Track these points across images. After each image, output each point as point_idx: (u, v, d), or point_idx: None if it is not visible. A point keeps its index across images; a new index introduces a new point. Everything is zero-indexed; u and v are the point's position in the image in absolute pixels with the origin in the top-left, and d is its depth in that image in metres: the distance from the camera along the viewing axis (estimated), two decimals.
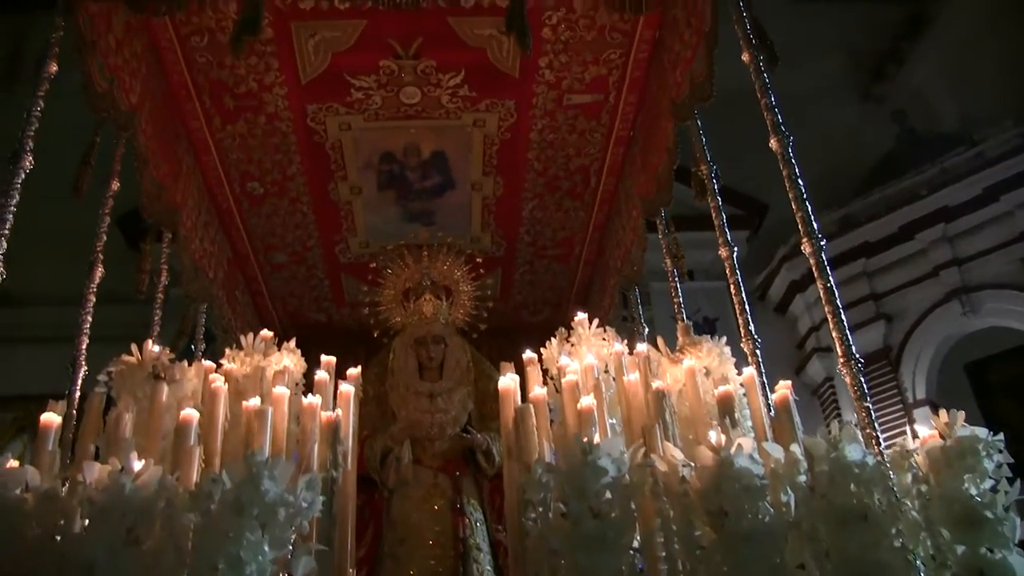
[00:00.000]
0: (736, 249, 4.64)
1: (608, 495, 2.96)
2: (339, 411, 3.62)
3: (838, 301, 3.83)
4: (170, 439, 3.73)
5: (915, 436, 3.49)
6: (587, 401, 3.62)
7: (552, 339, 4.79)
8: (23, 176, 3.77)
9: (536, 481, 3.08)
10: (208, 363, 4.38)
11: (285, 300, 7.43)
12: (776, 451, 3.19)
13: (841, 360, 3.71)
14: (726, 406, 3.75)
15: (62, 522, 2.83)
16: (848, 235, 8.72)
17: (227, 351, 4.53)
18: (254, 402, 3.64)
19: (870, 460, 3.08)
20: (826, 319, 8.25)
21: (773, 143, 4.05)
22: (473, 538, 5.27)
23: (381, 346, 6.11)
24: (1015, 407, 8.05)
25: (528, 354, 4.37)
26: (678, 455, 3.16)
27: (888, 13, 10.50)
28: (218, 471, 3.54)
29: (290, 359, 4.59)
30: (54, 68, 4.06)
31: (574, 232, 6.89)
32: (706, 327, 8.73)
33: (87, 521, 2.81)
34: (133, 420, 3.63)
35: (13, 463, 3.01)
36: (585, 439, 3.16)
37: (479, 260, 6.18)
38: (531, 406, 3.67)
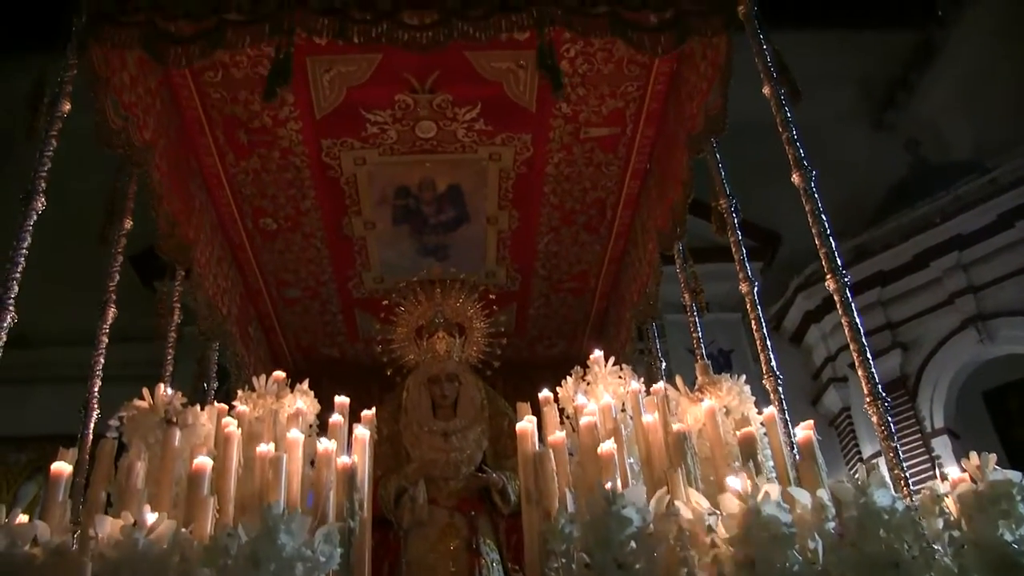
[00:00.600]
0: (757, 284, 4.58)
1: (633, 545, 2.87)
2: (355, 457, 3.53)
3: (863, 339, 3.71)
4: (183, 485, 3.69)
5: (943, 478, 3.37)
6: (607, 446, 3.53)
7: (568, 377, 4.68)
8: (35, 218, 3.71)
9: (559, 531, 2.99)
10: (221, 405, 4.32)
11: (298, 335, 7.37)
12: (803, 497, 3.10)
13: (867, 399, 3.59)
14: (748, 448, 3.68)
15: None
16: (863, 264, 8.64)
17: (239, 392, 4.47)
18: (268, 448, 3.59)
19: (900, 505, 2.99)
20: (842, 349, 8.31)
21: (795, 178, 4.00)
22: None
23: (395, 382, 6.01)
24: None
25: (544, 393, 4.32)
26: (703, 503, 3.08)
27: (898, 42, 10.55)
28: (232, 519, 3.51)
29: (303, 401, 4.50)
30: (67, 107, 4.00)
31: (590, 265, 6.83)
32: (721, 359, 8.68)
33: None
34: (145, 467, 3.55)
35: (23, 518, 2.94)
36: (608, 486, 3.09)
37: (493, 296, 6.08)
38: (550, 451, 3.59)
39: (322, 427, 4.36)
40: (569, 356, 7.63)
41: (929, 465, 7.79)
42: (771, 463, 3.85)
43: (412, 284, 6.02)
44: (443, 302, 5.96)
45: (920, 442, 8.01)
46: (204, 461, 3.40)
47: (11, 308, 3.46)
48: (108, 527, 2.82)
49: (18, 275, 3.55)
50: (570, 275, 6.93)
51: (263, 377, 4.53)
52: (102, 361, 4.30)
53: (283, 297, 6.86)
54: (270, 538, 2.67)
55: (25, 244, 3.63)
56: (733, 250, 4.67)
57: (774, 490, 3.00)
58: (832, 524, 2.99)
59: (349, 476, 3.46)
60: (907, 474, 3.49)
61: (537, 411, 4.17)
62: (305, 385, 4.61)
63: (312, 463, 3.71)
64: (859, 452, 8.42)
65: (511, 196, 6.08)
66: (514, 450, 5.46)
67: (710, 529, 2.99)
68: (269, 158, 5.57)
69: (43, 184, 3.78)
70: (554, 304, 7.26)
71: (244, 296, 6.58)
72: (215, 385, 5.74)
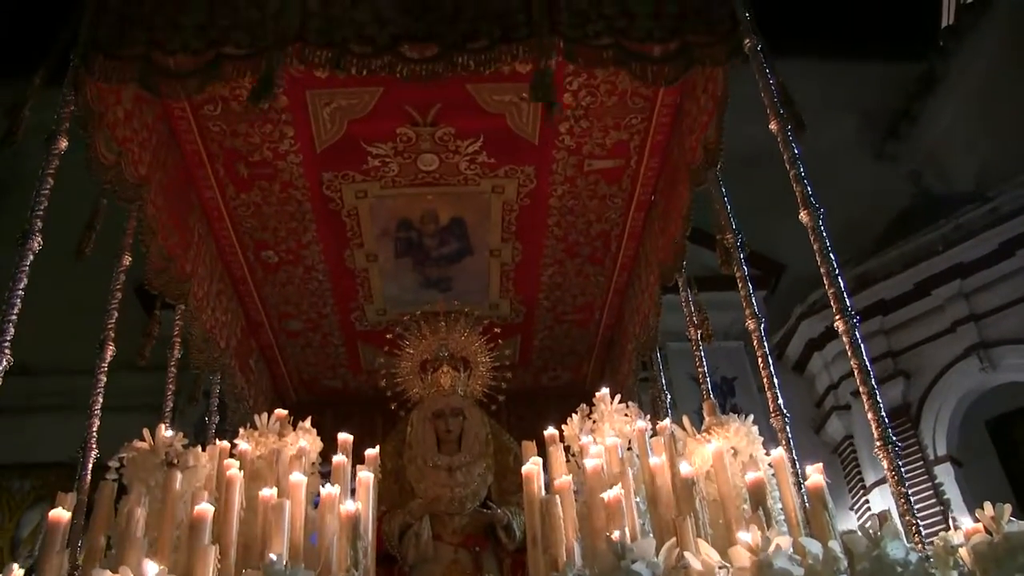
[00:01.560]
0: (764, 321, 4.56)
1: None
2: (359, 504, 3.46)
3: (873, 381, 3.65)
4: (184, 528, 3.63)
5: (955, 527, 3.29)
6: (614, 492, 3.47)
7: (574, 415, 4.64)
8: (31, 259, 3.64)
9: None
10: (222, 444, 4.27)
11: (300, 368, 7.31)
12: (814, 547, 3.03)
13: (878, 444, 3.52)
14: (758, 495, 3.60)
15: None
16: (865, 292, 8.59)
17: (241, 431, 4.41)
18: (270, 493, 3.53)
19: (913, 558, 2.92)
20: (845, 377, 8.31)
21: (804, 216, 3.92)
22: None
23: (398, 415, 5.96)
24: None
25: (549, 431, 4.27)
26: (714, 556, 3.01)
27: (900, 73, 10.59)
28: (234, 568, 3.44)
29: (306, 439, 4.44)
30: (63, 144, 3.92)
31: (594, 297, 6.78)
32: (725, 387, 8.62)
33: None
34: (145, 512, 3.48)
35: (17, 573, 2.87)
36: (616, 537, 3.03)
37: (497, 331, 6.04)
38: (557, 497, 3.52)
39: (325, 459, 4.32)
40: (574, 386, 7.70)
41: (932, 493, 7.73)
42: (779, 505, 3.80)
43: (416, 318, 5.99)
44: (447, 336, 5.93)
45: (923, 470, 7.93)
46: (205, 508, 3.33)
47: (7, 351, 3.40)
48: None
49: (14, 317, 3.48)
50: (574, 307, 6.88)
51: (264, 415, 4.48)
52: (100, 400, 4.22)
53: (285, 329, 6.81)
54: None
55: (21, 285, 3.56)
56: (740, 286, 4.63)
57: (785, 542, 2.93)
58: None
59: (353, 524, 3.39)
60: (919, 521, 3.41)
61: (542, 448, 4.12)
62: (308, 423, 4.56)
63: (316, 504, 3.68)
64: (862, 481, 8.38)
65: (514, 228, 6.04)
66: (519, 486, 5.43)
67: None
68: (270, 191, 5.53)
69: (40, 223, 3.70)
70: (558, 335, 7.21)
71: (245, 329, 6.52)
72: (216, 419, 5.70)
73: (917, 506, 7.29)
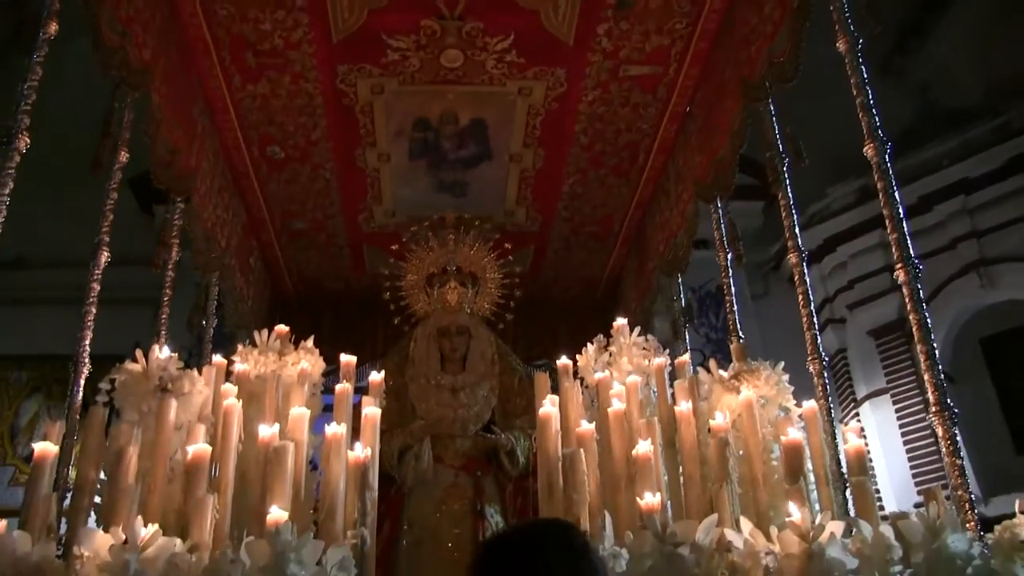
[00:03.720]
0: (806, 255, 4.38)
1: None
2: (368, 451, 3.18)
3: (933, 341, 3.35)
4: (177, 459, 3.41)
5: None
6: (645, 448, 3.21)
7: (589, 345, 4.41)
8: (18, 160, 3.30)
9: None
10: (219, 361, 4.01)
11: (301, 268, 7.05)
12: (865, 530, 2.78)
13: (934, 409, 3.22)
14: (795, 461, 3.33)
15: None
16: (866, 206, 8.32)
17: (240, 348, 4.15)
18: (271, 432, 3.27)
19: (976, 550, 2.68)
20: (840, 291, 8.43)
21: (868, 150, 3.68)
22: None
23: (402, 328, 5.71)
24: None
25: (563, 361, 4.04)
26: (760, 540, 2.76)
27: None
28: (230, 505, 3.20)
29: (308, 360, 4.17)
30: (54, 28, 3.56)
31: (615, 210, 6.49)
32: (718, 295, 8.37)
33: None
34: (138, 443, 3.22)
35: (1, 524, 2.61)
36: (648, 505, 2.79)
37: (508, 246, 5.76)
38: (581, 452, 3.26)
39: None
40: (585, 300, 7.53)
41: (922, 407, 7.68)
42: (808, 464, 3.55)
43: (424, 228, 5.69)
44: (456, 250, 5.64)
45: (915, 385, 7.82)
46: (202, 449, 3.08)
47: None
48: (97, 543, 2.50)
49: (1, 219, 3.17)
50: (593, 218, 6.59)
51: (264, 332, 4.19)
52: (93, 311, 3.95)
53: (288, 229, 6.51)
54: (279, 570, 2.35)
55: (7, 190, 3.23)
56: (782, 214, 4.38)
57: (838, 528, 2.69)
58: (898, 567, 2.69)
59: (362, 472, 3.11)
60: (971, 495, 3.12)
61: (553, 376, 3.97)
62: (310, 343, 4.28)
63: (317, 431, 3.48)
64: (853, 394, 8.33)
65: (538, 134, 5.68)
66: (524, 408, 5.27)
67: (767, 571, 2.68)
68: (279, 83, 5.15)
69: (27, 120, 3.35)
70: (574, 248, 6.94)
71: (246, 227, 6.23)
72: (214, 322, 5.48)
73: (910, 419, 7.45)
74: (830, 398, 3.99)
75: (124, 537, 2.51)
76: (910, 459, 7.58)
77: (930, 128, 8.53)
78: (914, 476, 7.49)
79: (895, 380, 7.89)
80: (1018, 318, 7.89)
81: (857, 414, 8.16)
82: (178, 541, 2.61)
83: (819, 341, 4.06)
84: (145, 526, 2.56)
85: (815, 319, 4.17)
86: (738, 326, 4.90)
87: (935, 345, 3.39)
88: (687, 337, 5.76)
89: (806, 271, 4.28)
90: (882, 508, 7.18)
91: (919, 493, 7.25)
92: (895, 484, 7.60)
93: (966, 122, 8.27)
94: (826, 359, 4.11)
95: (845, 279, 8.45)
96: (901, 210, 3.57)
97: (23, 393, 8.54)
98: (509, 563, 1.85)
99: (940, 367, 3.37)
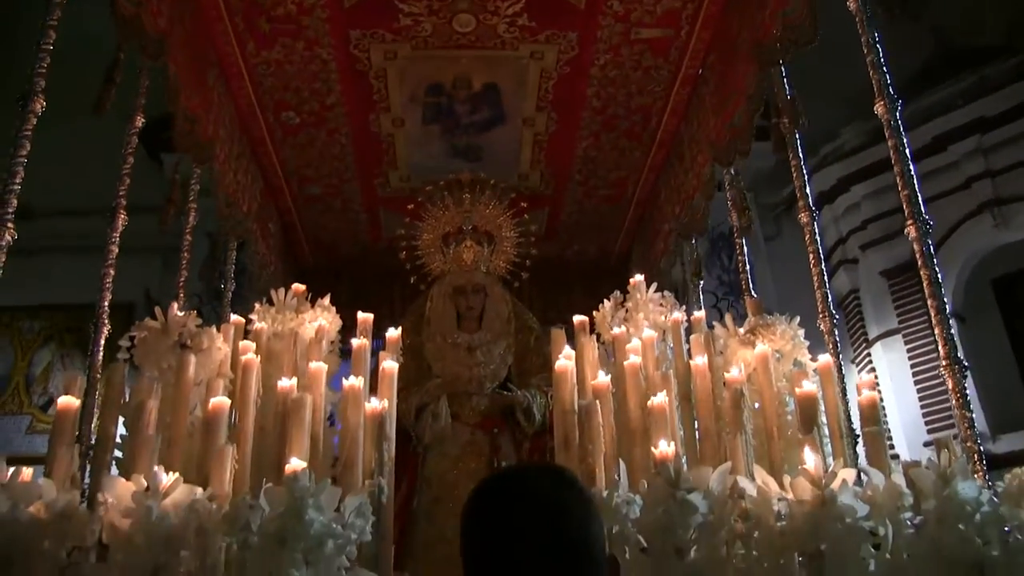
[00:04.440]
0: (818, 215, 4.31)
1: (694, 532, 2.61)
2: (385, 403, 3.23)
3: (944, 297, 3.37)
4: (197, 413, 3.48)
5: None
6: (660, 399, 3.25)
7: (605, 301, 4.45)
8: (35, 122, 3.34)
9: (613, 510, 2.73)
10: (237, 319, 4.06)
11: (318, 234, 7.10)
12: (876, 478, 2.82)
13: (945, 362, 3.24)
14: (809, 412, 3.37)
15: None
16: (879, 146, 8.01)
17: (256, 306, 4.17)
18: (289, 383, 3.33)
19: (986, 497, 2.71)
20: (853, 231, 8.35)
21: (879, 108, 3.69)
22: None
23: (418, 287, 5.75)
24: None
25: (579, 318, 4.06)
26: (772, 486, 2.80)
27: None
28: (249, 458, 3.26)
29: (325, 317, 4.21)
30: None
31: (628, 172, 6.50)
32: (731, 237, 8.40)
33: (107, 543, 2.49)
34: (158, 400, 3.29)
35: (27, 472, 2.67)
36: (662, 454, 2.82)
37: (524, 204, 5.78)
38: (597, 404, 3.30)
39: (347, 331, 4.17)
40: (600, 261, 7.59)
41: (933, 347, 7.70)
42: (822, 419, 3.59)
43: (440, 187, 5.70)
44: (472, 208, 5.64)
45: (927, 326, 7.65)
46: (221, 403, 3.13)
47: (10, 226, 3.14)
48: (119, 490, 2.56)
49: (17, 186, 3.21)
50: (607, 181, 6.60)
51: (281, 291, 4.23)
52: (112, 272, 3.98)
53: (304, 194, 6.55)
54: (297, 515, 2.40)
55: (24, 152, 3.27)
56: (793, 176, 4.37)
57: (850, 475, 2.72)
58: (908, 514, 2.73)
59: (379, 423, 3.17)
60: (979, 446, 3.15)
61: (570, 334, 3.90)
62: (327, 300, 4.31)
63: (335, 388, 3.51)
64: (865, 335, 8.28)
65: (551, 97, 5.69)
66: (539, 367, 5.30)
67: (780, 518, 2.72)
68: (293, 49, 5.16)
69: (42, 83, 3.38)
70: (587, 209, 6.97)
71: (264, 193, 6.26)
72: (233, 286, 5.55)
73: (922, 359, 7.47)
74: (839, 343, 4.00)
75: (146, 484, 2.56)
76: (921, 399, 7.55)
77: (946, 67, 8.40)
78: (924, 416, 7.49)
79: (907, 321, 7.85)
80: None
81: (869, 355, 8.15)
82: (199, 489, 2.65)
83: (830, 300, 4.07)
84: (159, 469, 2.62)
85: (826, 279, 4.16)
86: (751, 285, 4.90)
87: (946, 300, 3.40)
88: (700, 293, 5.80)
89: (817, 232, 4.26)
90: (892, 447, 7.24)
91: (929, 432, 7.31)
92: (905, 424, 7.60)
93: (983, 61, 8.11)
94: (837, 317, 4.13)
95: (859, 219, 8.33)
96: (912, 168, 3.58)
97: (36, 343, 8.59)
98: (499, 492, 1.88)
99: (951, 321, 3.38)
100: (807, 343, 4.02)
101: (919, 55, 8.89)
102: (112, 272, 3.95)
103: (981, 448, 3.10)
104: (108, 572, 2.46)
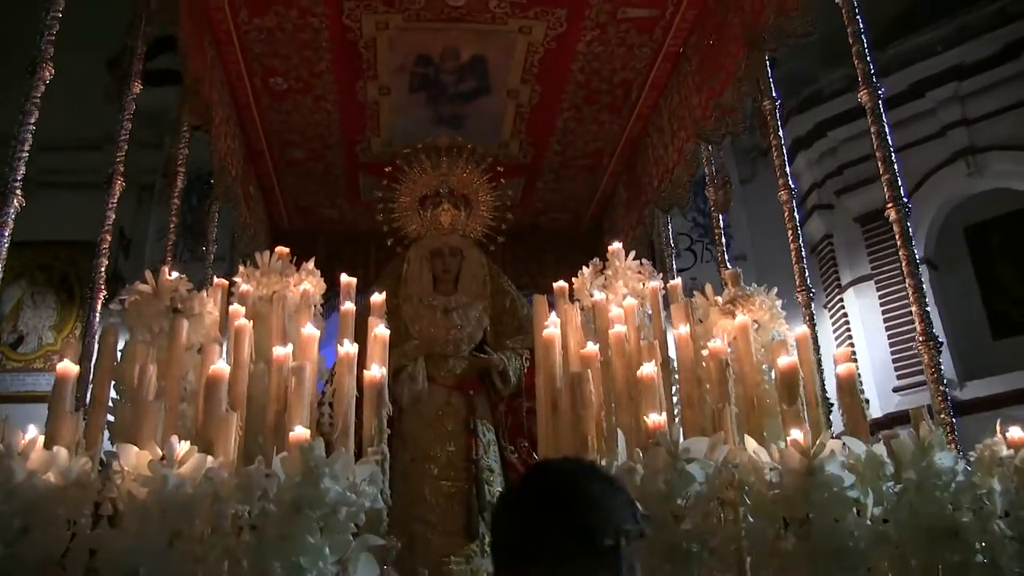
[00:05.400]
0: (795, 191, 4.48)
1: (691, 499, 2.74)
2: (383, 370, 3.28)
3: (921, 275, 3.53)
4: (190, 378, 3.49)
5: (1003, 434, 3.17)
6: (649, 369, 3.33)
7: (584, 268, 4.47)
8: (43, 90, 3.35)
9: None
10: (220, 281, 4.08)
11: (297, 196, 7.12)
12: (858, 448, 2.95)
13: (920, 339, 3.38)
14: (791, 383, 3.47)
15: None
16: (856, 91, 8.29)
17: (241, 269, 4.17)
18: (285, 351, 3.36)
19: (960, 467, 2.86)
20: (829, 176, 8.46)
21: (864, 96, 3.74)
22: (486, 459, 5.05)
23: (395, 250, 5.80)
24: (1012, 271, 7.93)
25: (559, 284, 4.12)
26: (764, 456, 2.92)
27: None
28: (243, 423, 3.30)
29: (309, 281, 4.22)
30: None
31: (605, 144, 6.60)
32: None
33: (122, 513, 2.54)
34: (155, 368, 3.29)
35: (39, 439, 2.71)
36: (655, 424, 2.93)
37: (501, 169, 5.82)
38: (588, 372, 3.39)
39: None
40: (572, 229, 7.70)
41: (905, 295, 7.82)
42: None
43: (418, 151, 5.71)
44: (449, 172, 5.68)
45: (899, 273, 7.88)
46: (221, 368, 3.14)
47: (18, 193, 3.15)
48: (134, 458, 2.60)
49: (26, 153, 3.22)
50: (584, 152, 6.70)
51: (266, 254, 4.23)
52: (108, 239, 4.00)
53: (286, 158, 6.57)
54: (314, 483, 2.47)
55: (33, 119, 3.28)
56: (774, 155, 4.49)
57: (836, 445, 2.85)
58: (890, 483, 2.87)
59: (378, 391, 3.22)
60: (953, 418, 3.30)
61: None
62: (311, 264, 4.31)
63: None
64: (838, 280, 8.39)
65: (536, 71, 5.76)
66: (515, 329, 5.39)
67: (772, 485, 2.84)
68: (286, 17, 5.18)
69: (51, 50, 3.40)
70: (563, 179, 7.05)
71: (246, 156, 6.28)
72: (214, 248, 5.54)
73: (893, 306, 7.57)
74: (812, 292, 4.21)
75: (161, 453, 2.60)
76: (891, 345, 7.69)
77: (927, 11, 8.35)
78: (894, 362, 7.63)
79: (879, 266, 7.95)
80: (1002, 206, 7.93)
81: (841, 300, 8.27)
82: (210, 457, 2.67)
83: (807, 275, 4.23)
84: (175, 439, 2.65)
85: (803, 252, 4.30)
86: (726, 258, 5.02)
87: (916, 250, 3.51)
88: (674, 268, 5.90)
89: (795, 208, 4.40)
90: (863, 391, 7.27)
91: (899, 378, 7.50)
92: (876, 369, 7.72)
93: (964, 6, 8.07)
94: (813, 292, 4.26)
95: (835, 164, 8.40)
96: (893, 155, 3.69)
97: (6, 279, 8.41)
98: (552, 492, 1.87)
99: (922, 268, 3.48)
100: (784, 313, 4.12)
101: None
102: (108, 237, 3.98)
103: (948, 395, 3.29)
104: (125, 539, 2.49)
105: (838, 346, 8.10)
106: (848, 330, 8.12)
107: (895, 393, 7.45)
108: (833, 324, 8.35)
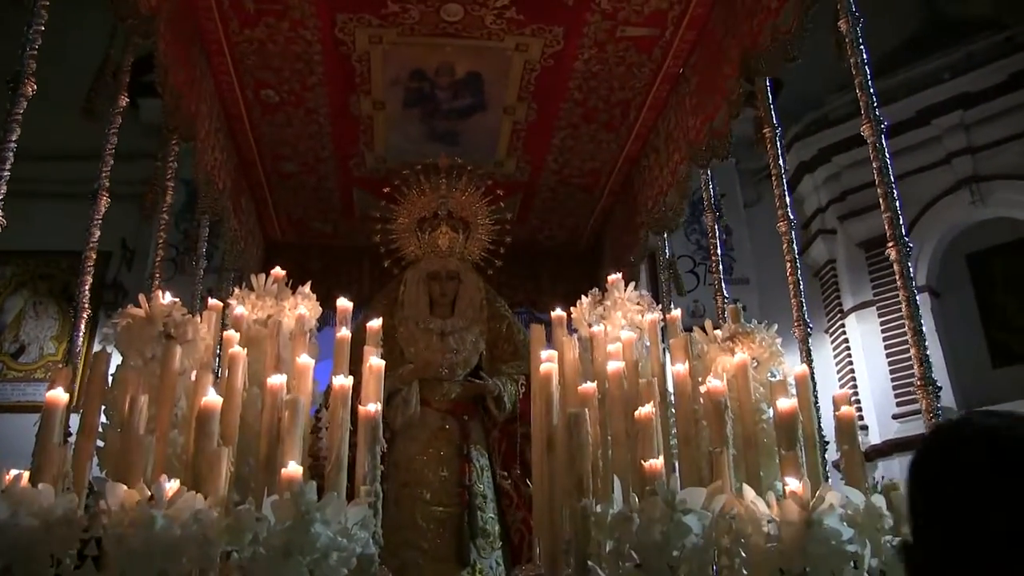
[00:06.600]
0: (795, 222, 4.40)
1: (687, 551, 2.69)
2: (379, 405, 3.22)
3: (920, 317, 3.49)
4: (182, 405, 3.43)
5: None
6: (647, 410, 3.29)
7: (583, 297, 4.42)
8: (25, 105, 3.26)
9: (607, 526, 2.79)
10: (214, 303, 4.02)
11: (290, 209, 7.05)
12: (856, 498, 2.91)
13: (919, 383, 3.35)
14: (790, 428, 3.42)
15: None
16: (860, 119, 8.30)
17: (236, 291, 4.14)
18: (280, 381, 3.30)
19: None
20: (833, 201, 8.44)
21: (865, 130, 3.72)
22: (479, 485, 5.02)
23: (391, 271, 5.70)
24: (1014, 300, 7.92)
25: (557, 312, 4.06)
26: (761, 507, 2.87)
27: None
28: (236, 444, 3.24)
29: (305, 306, 4.18)
30: None
31: (603, 163, 6.55)
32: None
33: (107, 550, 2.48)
34: (147, 398, 3.22)
35: (24, 476, 2.64)
36: (651, 466, 2.89)
37: (500, 192, 5.75)
38: (585, 412, 3.34)
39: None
40: (569, 246, 7.68)
41: (907, 322, 7.80)
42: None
43: (416, 172, 5.64)
44: (448, 194, 5.61)
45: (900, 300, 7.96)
46: (213, 401, 3.08)
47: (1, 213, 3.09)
48: (120, 497, 2.54)
49: (7, 173, 3.15)
50: (582, 171, 6.64)
51: (261, 276, 4.19)
52: (94, 256, 3.94)
53: (278, 170, 6.50)
54: (304, 528, 2.42)
55: (14, 136, 3.20)
56: (773, 184, 4.44)
57: (835, 498, 2.80)
58: (888, 537, 2.83)
59: (373, 427, 3.15)
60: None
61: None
62: (307, 288, 4.25)
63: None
64: (840, 306, 8.38)
65: (532, 89, 5.70)
66: (511, 354, 5.35)
67: (769, 538, 2.79)
68: (277, 29, 5.10)
69: (33, 65, 3.31)
70: (560, 197, 7.00)
71: (238, 168, 6.22)
72: (204, 263, 5.51)
73: (894, 332, 7.52)
74: (809, 318, 4.19)
75: (149, 492, 2.54)
76: (891, 372, 7.64)
77: (935, 37, 8.42)
78: (894, 388, 7.58)
79: (881, 293, 7.91)
80: (1005, 234, 7.94)
81: (843, 325, 8.25)
82: (200, 497, 2.62)
83: (805, 309, 4.18)
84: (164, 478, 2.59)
85: (800, 285, 4.26)
86: (723, 290, 4.99)
87: (919, 276, 3.48)
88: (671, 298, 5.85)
89: (795, 239, 4.35)
90: (861, 418, 7.31)
91: (899, 405, 7.43)
92: (875, 395, 7.71)
93: (971, 33, 8.12)
94: (810, 326, 4.22)
95: (838, 190, 8.38)
96: (895, 191, 3.63)
97: (8, 289, 8.53)
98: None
99: (924, 295, 3.45)
100: (783, 353, 4.07)
101: (909, 23, 8.81)
102: (94, 254, 3.94)
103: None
104: None
105: (839, 371, 8.11)
106: (849, 356, 8.11)
107: (894, 420, 7.42)
108: (834, 349, 8.34)
